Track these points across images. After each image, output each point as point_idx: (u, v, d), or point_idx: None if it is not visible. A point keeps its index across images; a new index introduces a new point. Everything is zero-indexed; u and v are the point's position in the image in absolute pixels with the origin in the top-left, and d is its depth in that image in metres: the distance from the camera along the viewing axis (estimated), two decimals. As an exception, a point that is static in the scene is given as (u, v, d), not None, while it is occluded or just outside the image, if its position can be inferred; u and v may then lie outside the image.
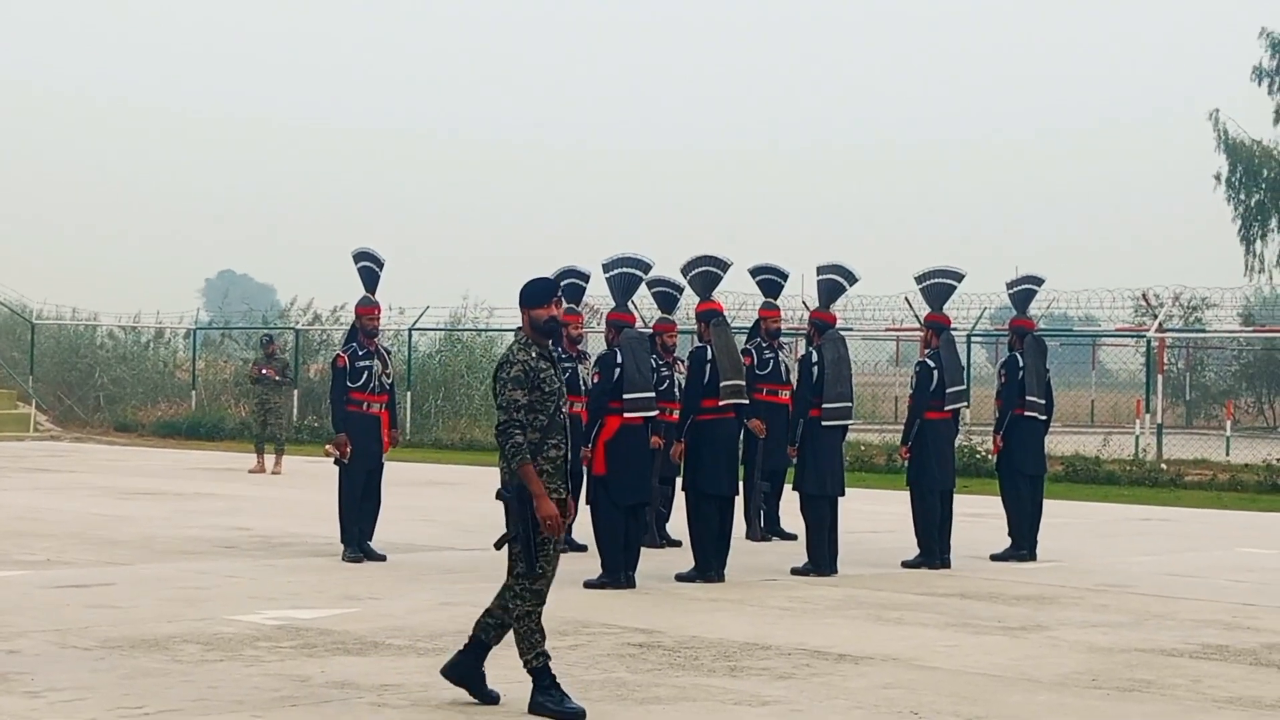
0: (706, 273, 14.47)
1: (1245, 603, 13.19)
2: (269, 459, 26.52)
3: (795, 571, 14.45)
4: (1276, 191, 53.72)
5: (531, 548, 8.46)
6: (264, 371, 27.06)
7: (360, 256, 15.44)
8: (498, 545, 8.58)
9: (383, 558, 14.82)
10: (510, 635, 8.68)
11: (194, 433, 35.82)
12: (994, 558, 15.69)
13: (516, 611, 8.56)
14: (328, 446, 15.80)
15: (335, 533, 15.13)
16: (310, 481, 23.89)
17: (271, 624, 11.13)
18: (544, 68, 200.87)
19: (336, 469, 15.07)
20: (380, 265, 15.37)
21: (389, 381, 15.17)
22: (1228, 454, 30.81)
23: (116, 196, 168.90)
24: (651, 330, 15.19)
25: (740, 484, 14.73)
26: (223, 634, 10.69)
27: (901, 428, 16.26)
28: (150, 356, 43.12)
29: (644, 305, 24.63)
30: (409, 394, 35.28)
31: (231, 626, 11.00)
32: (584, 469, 13.88)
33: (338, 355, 15.29)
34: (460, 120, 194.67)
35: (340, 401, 15.01)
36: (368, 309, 15.18)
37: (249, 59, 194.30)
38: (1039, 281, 16.65)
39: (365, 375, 14.95)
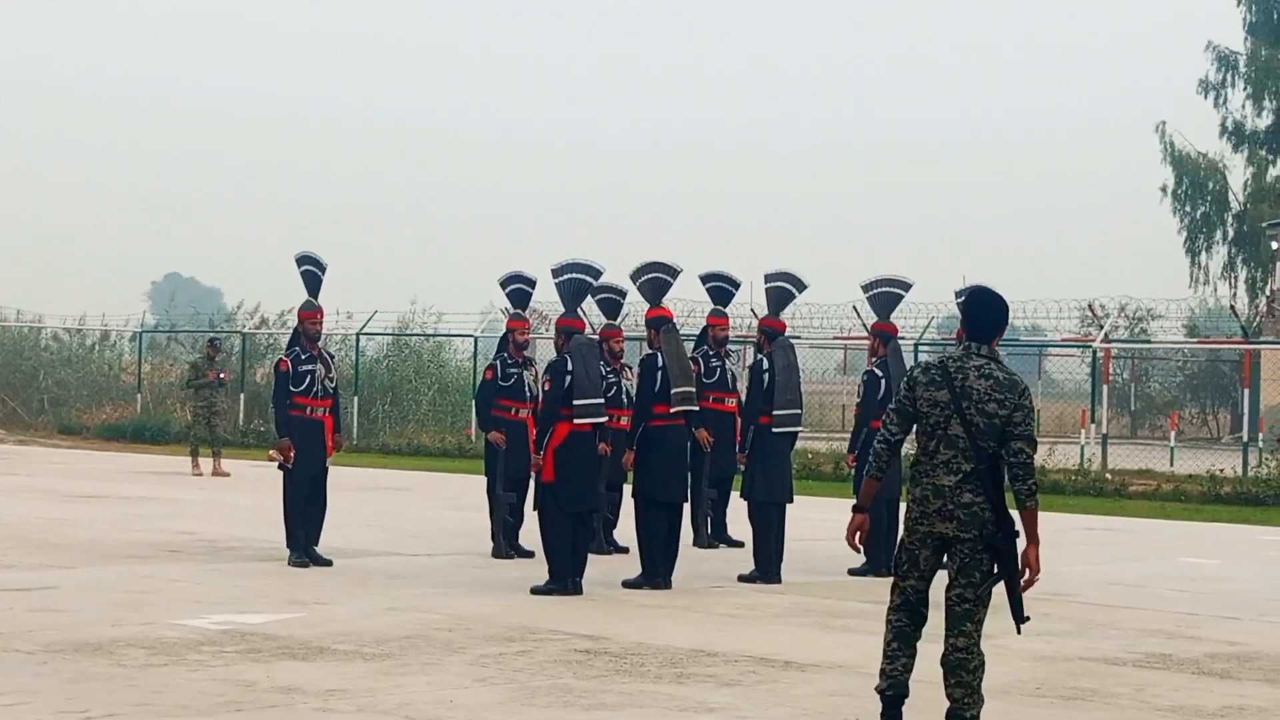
0: (656, 279, 14.49)
1: (1188, 612, 13.27)
2: (206, 461, 26.51)
3: (742, 579, 14.47)
4: (1221, 204, 54.23)
5: (1017, 594, 7.94)
6: (221, 375, 27.31)
7: (303, 260, 15.44)
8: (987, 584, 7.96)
9: (329, 562, 14.77)
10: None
11: (139, 436, 35.64)
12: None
13: (976, 661, 8.02)
14: (271, 451, 15.76)
15: (281, 537, 15.07)
16: (255, 486, 23.78)
17: (216, 628, 11.08)
18: (497, 70, 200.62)
19: (281, 474, 15.03)
20: (323, 269, 15.37)
21: (332, 385, 15.15)
22: (1172, 464, 30.99)
23: (62, 198, 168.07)
24: (599, 336, 15.19)
25: (688, 491, 14.74)
26: (167, 638, 10.64)
27: (848, 436, 16.29)
28: (95, 359, 42.90)
29: (590, 313, 24.66)
30: (356, 399, 35.17)
31: (176, 631, 10.94)
32: (533, 475, 13.89)
33: (280, 359, 15.29)
34: (410, 123, 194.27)
35: (283, 406, 14.98)
36: (310, 313, 15.17)
37: (196, 57, 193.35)
38: (986, 291, 16.69)
39: (308, 379, 14.93)
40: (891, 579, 8.20)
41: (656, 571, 13.80)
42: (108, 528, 17.71)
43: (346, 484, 21.31)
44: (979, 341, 7.99)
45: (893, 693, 8.00)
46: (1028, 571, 7.91)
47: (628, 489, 15.01)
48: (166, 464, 29.05)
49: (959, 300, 16.51)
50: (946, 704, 8.10)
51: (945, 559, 8.04)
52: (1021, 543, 7.93)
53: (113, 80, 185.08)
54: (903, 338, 19.34)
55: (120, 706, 8.56)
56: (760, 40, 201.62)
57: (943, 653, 8.05)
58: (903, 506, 15.55)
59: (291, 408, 14.92)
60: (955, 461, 7.91)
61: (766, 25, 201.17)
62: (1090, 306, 34.48)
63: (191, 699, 8.78)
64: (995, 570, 7.94)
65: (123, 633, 10.82)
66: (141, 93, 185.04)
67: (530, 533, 14.62)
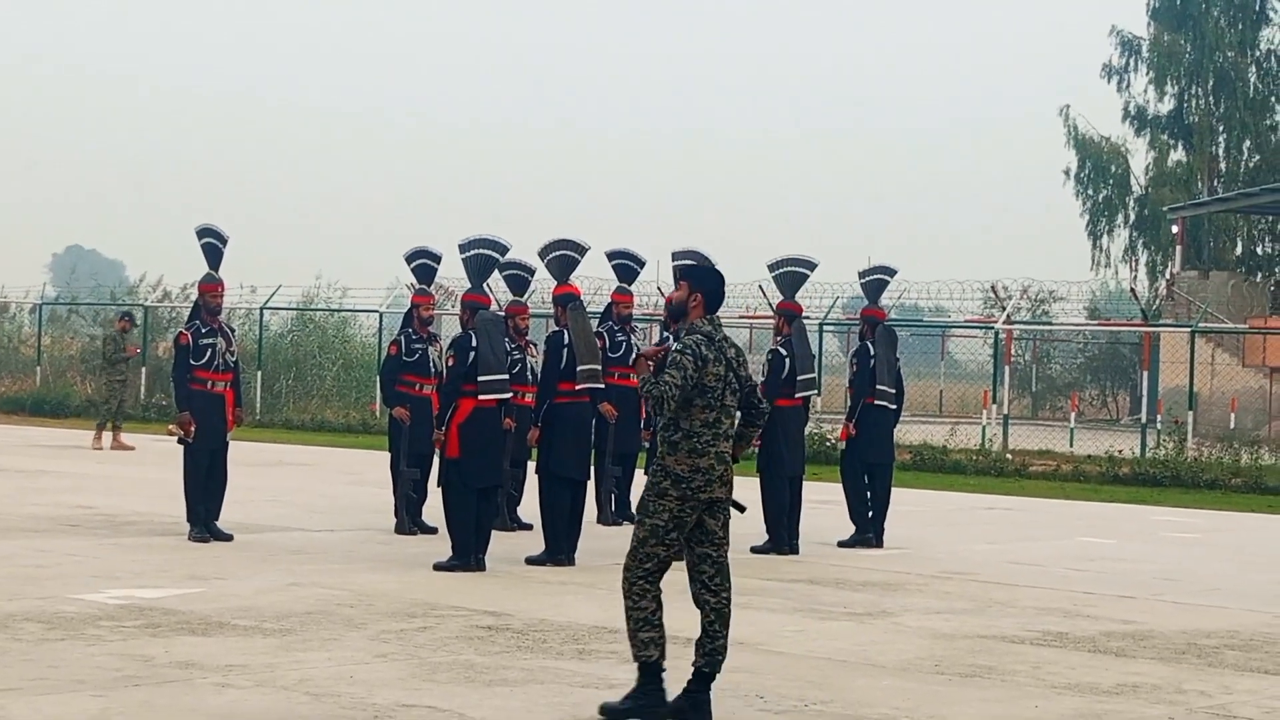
0: (564, 256, 14.47)
1: (1085, 591, 13.42)
2: (107, 435, 26.30)
3: (645, 556, 14.47)
4: (1124, 188, 54.76)
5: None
6: (138, 350, 27.27)
7: (204, 233, 15.30)
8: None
9: (229, 537, 14.67)
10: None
11: (39, 409, 35.24)
12: (841, 544, 15.84)
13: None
14: (171, 426, 15.62)
15: (181, 512, 14.95)
16: (156, 459, 23.57)
17: (115, 603, 10.98)
18: (406, 47, 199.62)
19: (181, 448, 14.90)
20: (224, 242, 15.24)
21: (234, 360, 15.04)
22: (1071, 445, 31.33)
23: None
24: (505, 313, 15.16)
25: (592, 468, 14.75)
26: (64, 613, 10.54)
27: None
28: (-6, 331, 42.41)
29: (496, 289, 24.61)
30: (259, 373, 34.93)
31: (74, 605, 10.84)
32: (437, 451, 13.84)
33: (180, 333, 15.17)
34: (314, 96, 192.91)
35: (183, 380, 14.86)
36: (211, 286, 15.05)
37: (97, 26, 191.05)
38: (891, 272, 16.80)
39: (209, 353, 14.81)
40: (654, 549, 8.12)
41: (560, 548, 13.80)
42: (5, 501, 17.50)
43: (249, 459, 21.17)
44: (714, 313, 8.37)
45: (662, 661, 8.09)
46: None
47: (531, 465, 15.00)
48: (66, 437, 28.75)
49: (862, 281, 16.70)
50: (697, 657, 8.16)
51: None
52: None
53: (14, 48, 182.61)
54: (807, 317, 19.44)
55: (16, 681, 8.47)
56: (678, 25, 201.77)
57: (714, 605, 8.16)
58: (806, 486, 15.72)
59: (192, 382, 14.79)
60: (729, 429, 8.29)
61: (686, 11, 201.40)
62: (993, 288, 34.79)
63: (89, 673, 8.70)
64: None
65: (19, 607, 10.71)
66: (44, 61, 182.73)
67: (433, 509, 14.58)
